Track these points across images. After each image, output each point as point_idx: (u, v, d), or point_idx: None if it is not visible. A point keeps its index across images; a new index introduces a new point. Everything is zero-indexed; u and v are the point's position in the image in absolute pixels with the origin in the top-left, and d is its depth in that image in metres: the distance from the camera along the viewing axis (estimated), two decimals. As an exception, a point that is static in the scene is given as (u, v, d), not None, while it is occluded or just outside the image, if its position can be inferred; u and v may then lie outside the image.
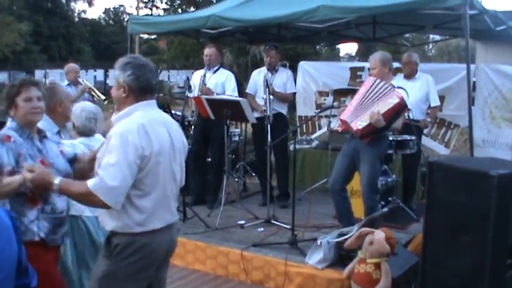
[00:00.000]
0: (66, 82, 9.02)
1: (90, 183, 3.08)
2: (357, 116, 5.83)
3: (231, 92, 7.68)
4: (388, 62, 6.09)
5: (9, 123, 3.60)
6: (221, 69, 7.97)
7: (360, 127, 5.73)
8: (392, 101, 5.67)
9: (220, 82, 7.75)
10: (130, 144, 3.09)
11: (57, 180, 3.19)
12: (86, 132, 4.65)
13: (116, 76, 3.33)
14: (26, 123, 3.59)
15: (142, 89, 3.29)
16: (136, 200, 3.18)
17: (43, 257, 3.49)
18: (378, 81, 5.83)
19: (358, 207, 6.42)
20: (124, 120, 3.22)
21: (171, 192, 3.38)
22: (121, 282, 3.25)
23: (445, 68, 9.88)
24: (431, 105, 7.68)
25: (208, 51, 7.86)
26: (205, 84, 7.69)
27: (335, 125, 8.37)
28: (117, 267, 3.23)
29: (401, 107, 5.77)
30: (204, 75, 7.78)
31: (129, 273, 3.24)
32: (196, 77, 7.96)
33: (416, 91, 7.44)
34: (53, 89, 4.59)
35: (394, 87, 5.98)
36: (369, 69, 6.40)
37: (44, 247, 3.55)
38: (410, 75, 7.55)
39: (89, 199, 3.12)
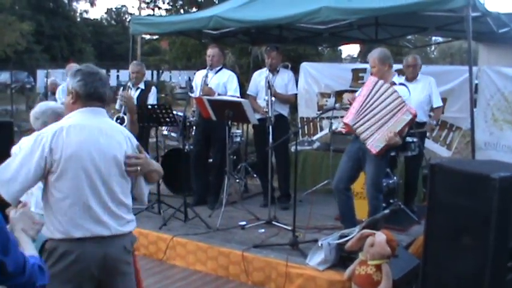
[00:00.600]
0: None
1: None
2: (362, 120, 5.87)
3: (232, 93, 7.67)
4: (387, 60, 6.06)
5: None
6: (223, 70, 7.96)
7: (378, 149, 5.79)
8: (406, 118, 5.72)
9: (222, 82, 7.74)
10: (39, 144, 3.11)
11: None
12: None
13: (67, 83, 3.37)
14: None
15: (89, 95, 3.29)
16: (54, 204, 3.18)
17: None
18: (380, 82, 5.82)
19: (360, 208, 6.44)
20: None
21: (97, 203, 3.23)
22: None
23: (447, 70, 9.87)
24: (434, 106, 7.67)
25: (211, 51, 7.86)
26: (207, 85, 7.69)
27: (337, 126, 8.36)
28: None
29: (412, 121, 5.86)
30: (206, 76, 7.78)
31: (58, 281, 3.12)
32: (198, 77, 7.95)
33: (418, 93, 7.43)
34: None
35: (395, 83, 6.00)
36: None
37: None
38: (412, 78, 7.54)
39: None
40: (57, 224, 3.16)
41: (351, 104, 6.12)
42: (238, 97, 7.53)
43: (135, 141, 3.47)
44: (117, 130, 3.44)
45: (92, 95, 3.29)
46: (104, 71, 3.47)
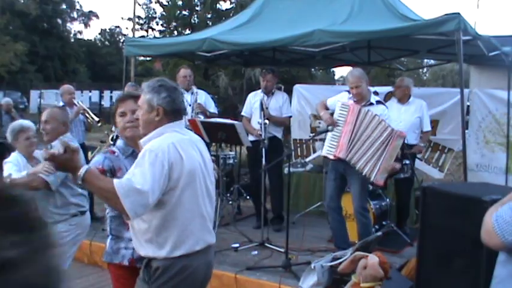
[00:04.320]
0: (61, 103, 9.03)
1: (117, 181, 3.02)
2: (357, 152, 6.01)
3: (213, 110, 7.89)
4: (366, 77, 6.31)
5: (118, 141, 3.75)
6: (198, 90, 8.05)
7: (383, 180, 6.12)
8: (399, 143, 5.99)
9: (202, 102, 7.85)
10: (159, 161, 3.04)
11: (83, 169, 3.03)
12: None
13: (147, 99, 3.26)
14: (126, 140, 3.66)
15: (176, 111, 3.30)
16: (171, 221, 3.15)
17: (129, 280, 3.51)
18: (363, 111, 6.07)
19: (351, 229, 6.46)
20: (155, 139, 3.20)
21: (207, 212, 3.35)
22: None
23: (439, 92, 9.94)
24: (424, 130, 7.74)
25: (186, 71, 7.96)
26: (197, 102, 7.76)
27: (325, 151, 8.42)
28: None
29: (399, 143, 6.05)
30: (192, 94, 7.79)
31: None
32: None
33: (410, 115, 7.52)
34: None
35: (373, 103, 6.15)
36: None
37: (131, 270, 3.56)
38: (402, 99, 7.61)
39: (110, 198, 3.02)
40: (175, 240, 3.17)
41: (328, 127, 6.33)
42: (217, 115, 7.65)
43: None
44: (199, 139, 3.53)
45: (178, 110, 3.33)
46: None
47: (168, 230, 3.16)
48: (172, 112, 3.27)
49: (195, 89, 7.87)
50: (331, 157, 6.29)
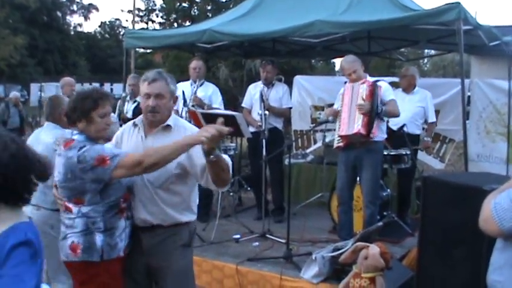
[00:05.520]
0: (61, 96, 9.03)
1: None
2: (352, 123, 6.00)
3: (218, 105, 7.71)
4: (359, 60, 6.37)
5: (77, 136, 3.54)
6: (206, 83, 7.97)
7: (360, 126, 5.96)
8: (361, 91, 6.03)
9: (208, 95, 7.76)
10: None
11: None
12: None
13: (171, 90, 3.72)
14: (96, 138, 3.59)
15: None
16: (194, 191, 3.84)
17: (121, 272, 3.62)
18: (355, 85, 6.13)
19: (354, 220, 6.47)
20: (179, 120, 3.92)
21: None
22: None
23: (440, 83, 9.94)
24: (429, 121, 7.73)
25: (197, 64, 7.87)
26: (196, 95, 7.67)
27: (331, 140, 8.39)
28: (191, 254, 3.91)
29: (372, 87, 6.02)
30: (193, 87, 7.74)
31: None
32: (185, 89, 7.78)
33: (413, 105, 7.52)
34: (57, 99, 4.96)
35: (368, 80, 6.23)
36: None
37: (123, 261, 3.63)
38: (407, 89, 7.60)
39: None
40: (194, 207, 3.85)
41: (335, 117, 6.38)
42: (222, 109, 7.55)
43: None
44: None
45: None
46: None
47: (194, 199, 3.80)
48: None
49: (198, 81, 7.79)
50: (341, 144, 6.27)
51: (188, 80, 7.97)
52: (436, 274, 4.47)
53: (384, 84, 6.24)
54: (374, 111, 5.94)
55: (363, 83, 6.07)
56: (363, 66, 6.36)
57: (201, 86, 7.79)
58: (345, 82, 6.53)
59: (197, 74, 7.80)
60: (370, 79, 6.26)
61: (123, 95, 8.39)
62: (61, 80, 9.22)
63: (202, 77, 7.87)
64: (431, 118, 7.75)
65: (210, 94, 7.80)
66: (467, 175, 5.82)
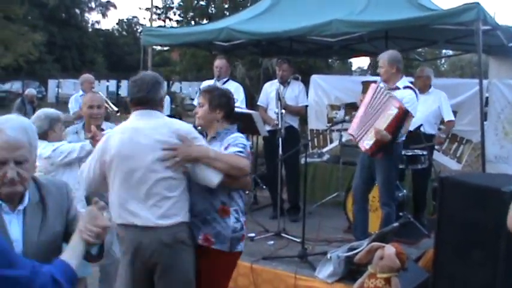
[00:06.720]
0: (80, 92, 9.09)
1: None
2: (362, 128, 5.90)
3: (239, 104, 7.68)
4: (396, 63, 6.05)
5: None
6: (230, 81, 8.00)
7: (368, 146, 5.83)
8: (391, 112, 5.67)
9: None
10: (98, 148, 3.78)
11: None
12: None
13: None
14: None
15: (132, 100, 3.80)
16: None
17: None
18: (380, 88, 5.86)
19: (370, 221, 6.44)
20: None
21: (134, 195, 3.64)
22: None
23: (457, 83, 9.88)
24: (446, 119, 7.69)
25: (219, 62, 7.90)
26: None
27: (347, 139, 8.39)
28: None
29: (402, 114, 5.72)
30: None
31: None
32: None
33: (429, 105, 7.47)
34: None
35: (399, 88, 6.00)
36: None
37: None
38: (422, 89, 7.54)
39: None
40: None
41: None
42: (245, 108, 7.54)
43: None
44: (147, 127, 3.75)
45: (136, 100, 3.86)
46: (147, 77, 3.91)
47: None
48: (131, 101, 3.80)
49: (220, 79, 7.82)
50: (352, 139, 6.25)
51: (212, 78, 8.00)
52: (453, 275, 4.45)
53: (411, 97, 6.03)
54: (393, 141, 5.85)
55: (395, 99, 5.74)
56: (397, 70, 6.08)
57: (224, 84, 7.82)
58: (362, 82, 6.50)
59: (219, 72, 7.84)
60: (401, 84, 6.09)
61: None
62: (81, 77, 9.29)
63: (224, 76, 7.92)
64: (449, 117, 7.69)
65: (232, 92, 7.80)
66: (485, 176, 5.78)
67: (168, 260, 3.66)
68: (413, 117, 6.10)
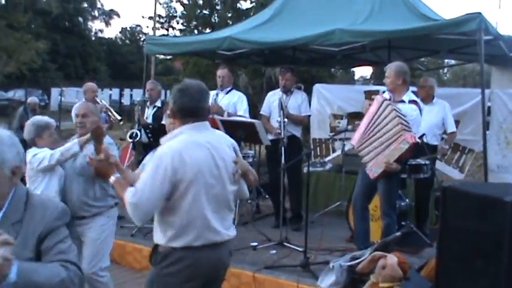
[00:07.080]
0: (83, 101, 9.11)
1: (128, 192, 3.38)
2: (364, 143, 5.93)
3: (242, 113, 7.74)
4: (402, 74, 6.03)
5: None
6: (233, 91, 8.04)
7: (376, 174, 5.87)
8: (403, 147, 5.66)
9: (232, 102, 7.81)
10: (162, 166, 3.30)
11: (113, 177, 3.68)
12: None
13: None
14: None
15: (183, 111, 3.50)
16: (171, 217, 3.39)
17: None
18: (385, 104, 5.82)
19: (372, 230, 6.44)
20: (168, 142, 3.47)
21: (211, 213, 3.47)
22: None
23: (460, 93, 9.88)
24: (448, 131, 7.70)
25: (222, 72, 7.93)
26: (217, 103, 7.71)
27: (350, 148, 8.39)
28: (158, 274, 3.51)
29: (413, 147, 5.73)
30: (217, 95, 7.82)
31: (170, 282, 3.44)
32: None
33: (433, 116, 7.47)
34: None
35: (404, 101, 5.99)
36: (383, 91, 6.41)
37: None
38: (425, 99, 7.54)
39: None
40: (170, 233, 3.44)
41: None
42: (247, 118, 7.57)
43: None
44: (218, 139, 3.69)
45: (185, 110, 3.60)
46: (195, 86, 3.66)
47: (169, 223, 3.41)
48: (180, 112, 3.50)
49: (223, 89, 7.87)
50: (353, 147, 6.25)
51: (215, 87, 8.04)
52: (455, 285, 4.44)
53: (415, 114, 6.03)
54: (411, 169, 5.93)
55: (408, 134, 5.67)
56: (404, 82, 6.06)
57: (227, 93, 7.86)
58: (364, 91, 6.51)
59: (221, 81, 7.87)
60: (407, 98, 6.07)
61: (138, 99, 8.47)
62: (84, 86, 9.30)
63: (227, 85, 7.95)
64: (451, 128, 7.71)
65: (235, 101, 7.85)
66: (487, 185, 5.78)
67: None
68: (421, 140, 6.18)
